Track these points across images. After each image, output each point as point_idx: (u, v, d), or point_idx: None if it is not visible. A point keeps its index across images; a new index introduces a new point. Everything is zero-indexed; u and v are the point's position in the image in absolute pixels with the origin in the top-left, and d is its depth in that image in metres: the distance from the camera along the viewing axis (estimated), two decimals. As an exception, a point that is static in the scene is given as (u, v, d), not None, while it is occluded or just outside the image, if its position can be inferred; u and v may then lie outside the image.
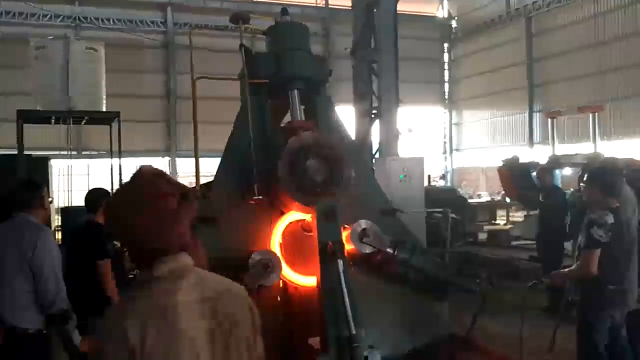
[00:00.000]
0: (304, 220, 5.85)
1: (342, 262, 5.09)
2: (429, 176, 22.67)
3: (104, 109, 12.39)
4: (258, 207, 5.81)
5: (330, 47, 33.47)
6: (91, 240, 5.32)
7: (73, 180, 15.68)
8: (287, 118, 6.54)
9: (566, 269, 5.36)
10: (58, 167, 16.02)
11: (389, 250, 5.90)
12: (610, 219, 4.85)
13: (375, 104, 13.49)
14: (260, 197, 5.72)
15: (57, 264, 4.10)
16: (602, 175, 5.17)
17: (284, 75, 6.17)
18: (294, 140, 5.61)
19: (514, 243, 14.75)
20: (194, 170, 6.44)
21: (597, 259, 4.84)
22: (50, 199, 4.52)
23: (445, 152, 39.18)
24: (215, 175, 6.25)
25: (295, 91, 6.23)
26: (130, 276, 9.50)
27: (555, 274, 5.49)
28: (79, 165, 29.29)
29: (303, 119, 6.27)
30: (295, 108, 6.21)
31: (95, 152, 27.40)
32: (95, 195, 5.55)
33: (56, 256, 4.12)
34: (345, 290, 4.92)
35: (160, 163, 33.05)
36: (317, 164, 5.51)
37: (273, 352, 5.36)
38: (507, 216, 22.84)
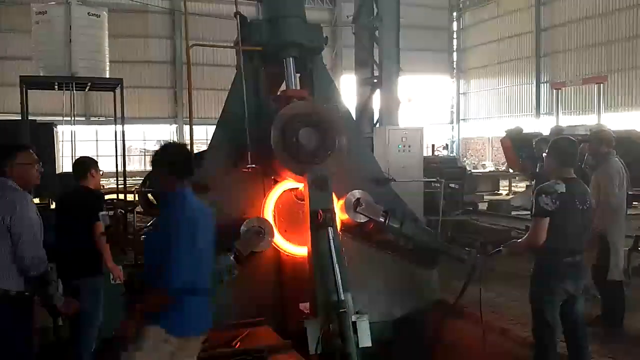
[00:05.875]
0: (297, 188, 5.93)
1: (332, 229, 5.18)
2: (433, 145, 22.61)
3: (107, 75, 12.36)
4: (251, 175, 5.86)
5: (337, 14, 33.17)
6: (88, 204, 5.42)
7: (80, 145, 15.81)
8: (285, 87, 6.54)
9: (518, 239, 5.19)
10: (62, 132, 16.09)
11: (381, 219, 6.01)
12: (560, 188, 4.65)
13: (376, 72, 13.40)
14: (253, 165, 5.76)
15: (37, 229, 4.11)
16: (558, 145, 5.05)
17: (277, 42, 6.14)
18: (287, 109, 5.63)
19: (513, 213, 14.76)
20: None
21: (545, 228, 4.62)
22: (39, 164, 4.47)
23: (452, 122, 39.02)
24: (210, 142, 6.30)
25: (290, 59, 6.17)
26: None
27: (508, 243, 5.38)
28: (88, 131, 29.40)
29: (298, 87, 6.24)
30: (289, 76, 6.17)
31: (103, 119, 27.46)
32: (82, 163, 5.67)
33: (35, 221, 4.11)
34: (334, 257, 5.01)
35: (168, 130, 33.25)
36: (309, 133, 5.52)
37: (265, 316, 5.54)
38: (510, 186, 22.82)
